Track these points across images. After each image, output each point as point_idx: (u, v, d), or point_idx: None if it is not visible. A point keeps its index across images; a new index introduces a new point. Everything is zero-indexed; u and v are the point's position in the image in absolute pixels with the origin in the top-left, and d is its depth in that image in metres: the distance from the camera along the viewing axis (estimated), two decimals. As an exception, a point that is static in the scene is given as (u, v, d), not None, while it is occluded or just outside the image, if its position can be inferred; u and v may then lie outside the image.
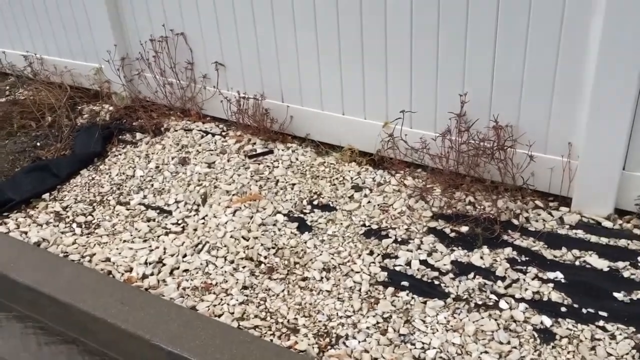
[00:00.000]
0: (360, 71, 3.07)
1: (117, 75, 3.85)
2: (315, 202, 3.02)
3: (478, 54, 2.69)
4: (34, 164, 3.56)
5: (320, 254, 2.69)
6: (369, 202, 2.96)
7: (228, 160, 3.37)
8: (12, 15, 4.32)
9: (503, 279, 2.44)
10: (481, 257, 2.55)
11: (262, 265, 2.68)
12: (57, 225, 3.08)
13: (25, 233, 3.02)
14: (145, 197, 3.23)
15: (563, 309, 2.30)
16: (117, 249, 2.86)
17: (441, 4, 2.67)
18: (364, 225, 2.83)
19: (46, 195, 3.33)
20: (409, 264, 2.58)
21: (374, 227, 2.81)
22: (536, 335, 2.21)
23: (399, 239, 2.71)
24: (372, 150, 3.20)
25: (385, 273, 2.55)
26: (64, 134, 3.83)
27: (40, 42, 4.27)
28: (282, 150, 3.39)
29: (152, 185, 3.30)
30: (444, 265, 2.55)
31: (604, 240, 2.56)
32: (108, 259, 2.80)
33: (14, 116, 3.99)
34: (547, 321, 2.25)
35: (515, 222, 2.69)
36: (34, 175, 3.45)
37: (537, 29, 2.50)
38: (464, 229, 2.70)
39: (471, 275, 2.48)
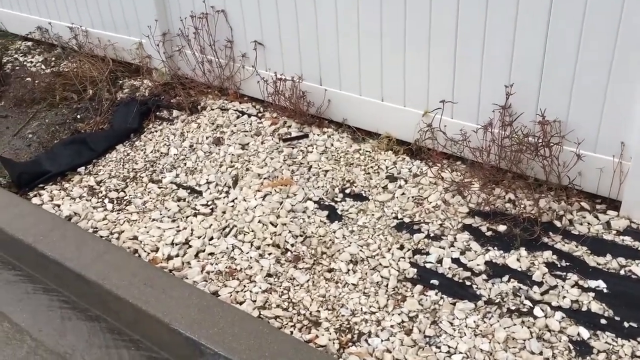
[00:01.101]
0: (402, 56, 2.93)
1: (157, 51, 3.82)
2: (347, 191, 2.92)
3: (527, 43, 2.51)
4: (72, 137, 3.58)
5: (349, 245, 2.61)
6: (403, 193, 2.85)
7: (262, 143, 3.30)
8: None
9: (540, 284, 2.30)
10: (518, 260, 2.41)
11: (289, 253, 2.61)
12: (90, 200, 3.09)
13: (58, 206, 3.05)
14: (177, 175, 3.20)
15: (603, 321, 2.15)
16: (145, 227, 2.85)
17: (491, -13, 2.51)
18: (396, 217, 2.72)
19: (82, 169, 3.35)
20: (440, 261, 2.46)
21: (407, 220, 2.70)
22: (572, 347, 2.07)
23: (432, 235, 2.59)
24: (410, 139, 3.07)
25: (415, 270, 2.44)
26: (103, 108, 3.84)
27: (86, 15, 4.28)
28: (318, 135, 3.30)
29: (185, 164, 3.27)
30: (478, 265, 2.42)
31: (654, 249, 2.38)
32: (135, 237, 2.78)
33: (57, 87, 4.02)
34: (585, 333, 2.11)
35: (557, 224, 2.53)
36: (72, 148, 3.47)
37: (594, 12, 2.31)
38: (502, 228, 2.55)
39: (506, 278, 2.35)
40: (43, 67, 4.46)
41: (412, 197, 2.82)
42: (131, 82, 4.10)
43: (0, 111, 4.07)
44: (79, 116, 3.84)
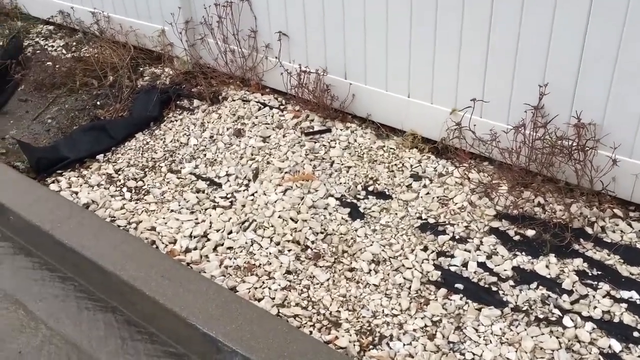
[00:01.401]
0: (432, 52, 2.84)
1: (179, 39, 3.76)
2: (370, 188, 2.85)
3: (564, 42, 2.42)
4: (91, 124, 3.54)
5: (371, 245, 2.54)
6: (427, 193, 2.77)
7: (284, 136, 3.23)
8: (83, -29, 4.31)
9: (570, 293, 2.22)
10: (547, 266, 2.32)
11: (309, 250, 2.55)
12: (108, 188, 3.05)
13: (76, 193, 3.01)
14: (197, 166, 3.15)
15: (636, 334, 2.06)
16: (163, 218, 2.80)
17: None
18: (420, 217, 2.65)
19: (100, 156, 3.30)
20: (465, 265, 2.39)
21: (431, 221, 2.62)
22: (602, 360, 2.00)
23: (457, 237, 2.52)
24: (436, 137, 2.99)
25: (439, 272, 2.37)
26: (123, 95, 3.80)
27: (109, 0, 4.23)
28: (341, 130, 3.23)
29: (205, 155, 3.22)
30: (504, 270, 2.34)
31: (690, 261, 2.28)
32: (153, 228, 2.74)
33: (77, 73, 3.98)
34: (617, 345, 2.03)
35: (588, 230, 2.44)
36: (91, 135, 3.43)
37: (636, 11, 2.21)
38: (530, 232, 2.47)
39: (534, 284, 2.27)
40: (64, 51, 4.42)
41: (437, 197, 2.74)
42: (152, 69, 4.05)
43: (20, 95, 4.04)
44: (98, 102, 3.80)
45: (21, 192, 2.91)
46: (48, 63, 4.24)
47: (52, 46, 4.53)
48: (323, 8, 3.14)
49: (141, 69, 4.07)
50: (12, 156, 3.33)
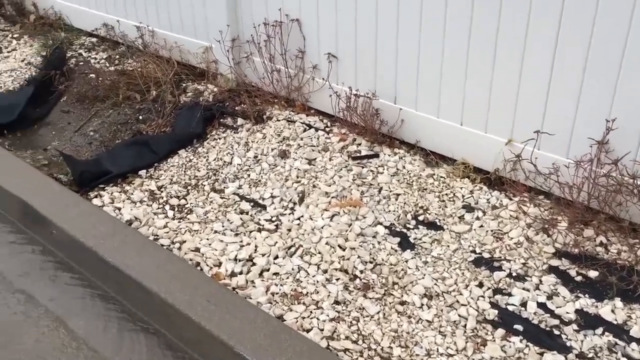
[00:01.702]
0: (489, 79, 2.76)
1: (225, 56, 3.73)
2: (420, 218, 2.76)
3: (636, 76, 2.32)
4: (134, 138, 3.51)
5: (422, 278, 2.44)
6: (481, 226, 2.67)
7: (330, 159, 3.16)
8: (130, -14, 4.32)
9: (638, 341, 2.10)
10: (612, 311, 2.21)
11: (357, 280, 2.46)
12: (151, 205, 3.00)
13: (119, 209, 2.96)
14: (240, 187, 3.09)
15: None
16: (207, 239, 2.73)
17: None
18: (474, 251, 2.55)
19: (142, 172, 3.26)
20: (524, 304, 2.28)
21: (486, 255, 2.52)
22: (676, 417, 1.87)
23: (514, 274, 2.41)
24: (489, 168, 2.90)
25: (496, 311, 2.27)
26: (166, 110, 3.77)
27: (154, 15, 4.23)
28: (389, 155, 3.15)
29: (249, 175, 3.16)
30: (567, 313, 2.22)
31: None
32: (197, 249, 2.67)
33: (121, 86, 3.97)
34: (691, 402, 1.90)
35: (655, 274, 2.32)
36: (134, 150, 3.39)
37: None
38: (593, 273, 2.36)
39: (599, 330, 2.15)
40: (107, 64, 4.43)
41: (491, 230, 2.64)
42: (194, 85, 4.02)
43: (62, 106, 4.04)
44: (141, 117, 3.77)
45: (64, 205, 2.87)
46: (91, 75, 4.24)
47: (95, 58, 4.53)
48: (376, 33, 3.09)
49: (184, 84, 4.04)
50: (54, 168, 3.31)
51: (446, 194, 2.88)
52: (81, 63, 4.49)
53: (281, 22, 3.45)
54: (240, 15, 3.69)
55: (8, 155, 3.33)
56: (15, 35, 5.04)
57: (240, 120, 3.59)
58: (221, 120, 3.62)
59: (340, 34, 3.26)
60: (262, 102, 3.69)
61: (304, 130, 3.41)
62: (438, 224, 2.72)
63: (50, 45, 4.67)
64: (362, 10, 3.10)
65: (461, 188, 2.89)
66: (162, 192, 3.10)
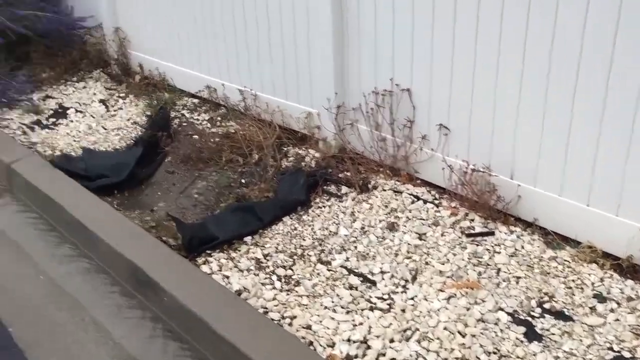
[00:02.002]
0: (625, 154, 2.58)
1: (332, 123, 3.73)
2: (546, 306, 2.57)
3: None
4: (239, 204, 3.52)
5: (555, 375, 2.25)
6: (616, 319, 2.45)
7: (442, 235, 3.04)
8: (236, 52, 4.44)
9: None
10: None
11: (482, 373, 2.29)
12: (258, 275, 2.95)
13: (227, 277, 2.93)
14: (347, 259, 3.00)
15: None
16: (317, 315, 2.64)
17: None
18: (611, 349, 2.33)
19: (248, 239, 3.24)
20: (679, 417, 2.04)
21: (626, 354, 2.30)
22: None
23: (662, 379, 2.18)
24: (620, 253, 2.69)
25: (645, 422, 2.04)
26: (268, 175, 3.78)
27: (258, 80, 4.32)
28: (505, 233, 2.99)
29: (356, 247, 3.07)
30: None
31: None
32: (309, 327, 2.58)
33: (224, 149, 4.03)
34: None
35: None
36: (238, 215, 3.39)
37: None
38: None
39: None
40: (209, 125, 4.53)
41: (629, 325, 2.41)
42: (296, 150, 4.03)
43: (167, 166, 4.13)
44: (243, 180, 3.80)
45: (175, 272, 2.87)
46: (195, 136, 4.35)
47: (197, 119, 4.66)
48: (494, 105, 3.00)
49: (285, 148, 4.06)
50: (162, 231, 3.34)
51: (572, 280, 2.68)
52: (184, 124, 4.62)
53: (391, 91, 3.42)
54: (347, 84, 3.70)
55: (119, 217, 3.39)
56: (121, 95, 5.26)
57: (344, 189, 3.54)
58: (325, 187, 3.58)
59: (454, 105, 3.19)
60: (366, 170, 3.64)
61: (412, 202, 3.31)
62: (566, 313, 2.52)
63: (154, 105, 4.84)
64: (479, 85, 3.02)
65: (589, 274, 2.69)
66: (268, 260, 3.06)
